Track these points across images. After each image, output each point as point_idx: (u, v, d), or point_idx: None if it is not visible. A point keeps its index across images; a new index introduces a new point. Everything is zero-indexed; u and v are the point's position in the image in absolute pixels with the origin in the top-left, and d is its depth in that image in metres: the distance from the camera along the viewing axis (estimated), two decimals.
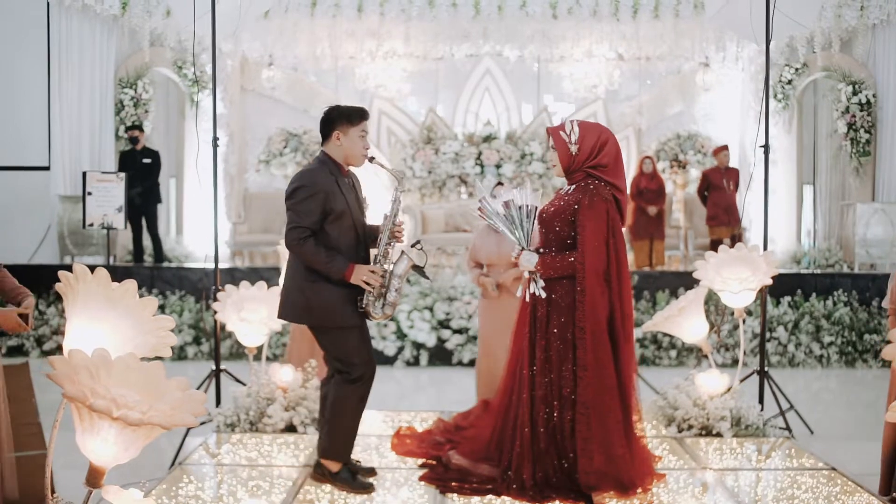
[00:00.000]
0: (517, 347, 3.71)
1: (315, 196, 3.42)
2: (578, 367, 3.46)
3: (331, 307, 3.47)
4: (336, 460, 3.63)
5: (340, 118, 3.53)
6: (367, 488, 3.60)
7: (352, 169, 3.67)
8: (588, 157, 3.53)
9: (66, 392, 2.21)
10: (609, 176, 3.53)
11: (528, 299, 3.60)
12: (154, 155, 8.80)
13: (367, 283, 3.44)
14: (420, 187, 10.29)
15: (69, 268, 7.96)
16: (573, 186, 3.59)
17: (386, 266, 3.52)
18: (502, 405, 3.75)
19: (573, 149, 3.52)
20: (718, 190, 8.84)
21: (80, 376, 2.26)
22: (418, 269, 3.55)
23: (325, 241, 3.46)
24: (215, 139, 4.70)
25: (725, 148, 8.91)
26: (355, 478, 3.63)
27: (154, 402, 2.31)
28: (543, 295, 3.54)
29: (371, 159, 3.59)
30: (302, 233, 3.42)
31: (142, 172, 8.65)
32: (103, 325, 2.56)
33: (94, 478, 2.37)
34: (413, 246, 3.54)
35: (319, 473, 3.68)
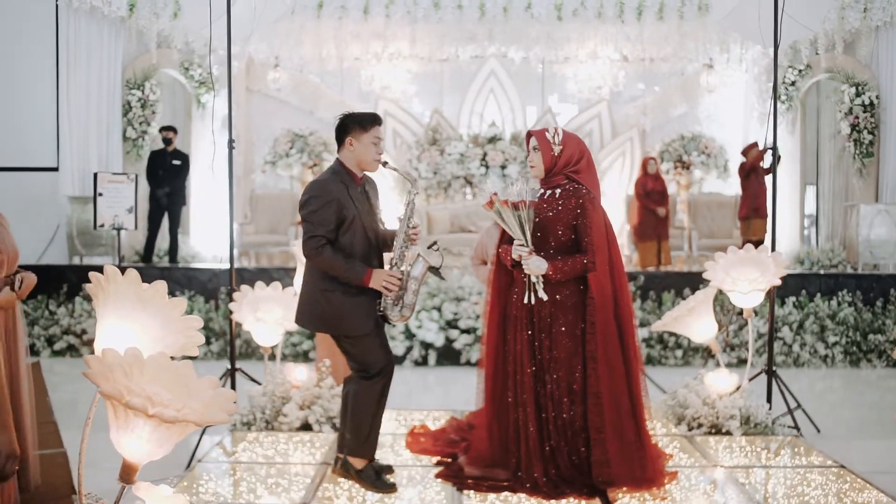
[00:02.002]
0: (497, 348, 3.74)
1: (328, 204, 3.46)
2: (588, 360, 3.54)
3: (342, 316, 3.52)
4: (360, 457, 3.66)
5: (353, 124, 3.56)
6: (390, 488, 3.64)
7: (369, 175, 3.71)
8: (568, 163, 3.66)
9: (103, 390, 2.26)
10: (586, 182, 3.67)
11: (532, 302, 3.61)
12: (184, 157, 8.90)
13: (386, 288, 3.49)
14: (425, 188, 10.35)
15: (78, 268, 8.03)
16: (559, 190, 3.67)
17: (403, 269, 3.56)
18: (494, 407, 3.78)
19: (556, 149, 3.64)
20: (762, 186, 8.76)
21: (115, 375, 2.31)
22: (434, 271, 3.59)
23: (339, 249, 3.51)
24: (231, 141, 4.76)
25: (755, 145, 8.91)
26: (379, 477, 3.67)
27: (186, 399, 2.37)
28: (545, 297, 3.58)
29: (385, 164, 3.62)
30: (319, 241, 3.45)
31: (171, 173, 8.75)
32: (134, 324, 2.61)
33: (127, 474, 2.43)
34: (430, 248, 3.58)
35: (344, 470, 3.70)
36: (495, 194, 3.58)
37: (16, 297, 2.69)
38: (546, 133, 3.68)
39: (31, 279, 2.81)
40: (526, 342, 3.63)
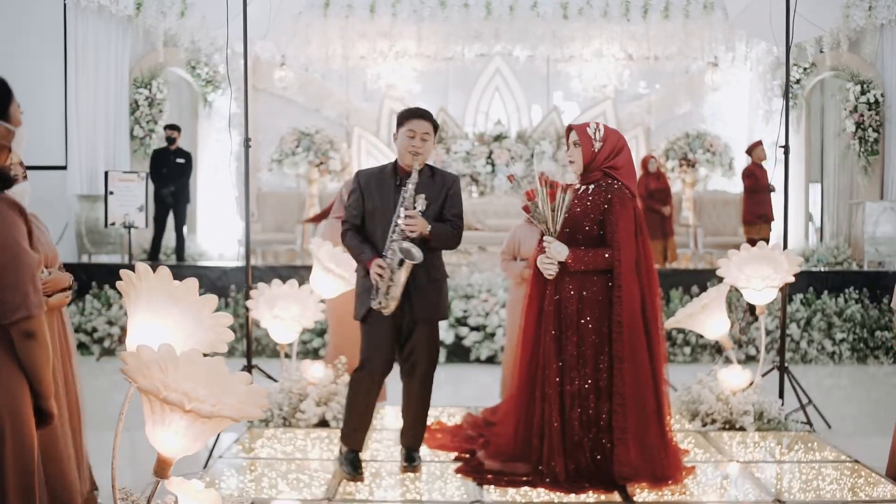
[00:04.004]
0: (532, 343, 3.77)
1: (354, 192, 3.76)
2: (615, 360, 3.55)
3: (357, 297, 3.81)
4: (342, 442, 3.88)
5: (397, 120, 3.78)
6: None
7: (443, 169, 3.90)
8: (607, 157, 3.67)
9: (140, 386, 2.30)
10: (624, 178, 3.68)
11: (548, 276, 3.64)
12: (187, 156, 8.94)
13: (377, 275, 3.62)
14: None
15: (87, 266, 8.01)
16: (592, 186, 3.69)
17: (388, 260, 3.63)
18: (521, 402, 3.82)
19: (597, 146, 3.66)
20: (764, 186, 8.74)
21: (152, 371, 2.34)
22: (404, 263, 3.62)
23: (364, 234, 3.75)
24: (247, 140, 4.79)
25: (759, 143, 8.94)
26: (354, 466, 3.84)
27: (220, 395, 2.40)
28: (555, 272, 3.62)
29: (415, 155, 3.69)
30: (345, 226, 3.78)
31: (174, 172, 8.78)
32: (166, 321, 2.64)
33: (161, 469, 2.46)
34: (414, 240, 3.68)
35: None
36: (543, 174, 3.62)
37: (67, 299, 2.69)
38: (588, 128, 3.68)
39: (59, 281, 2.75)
40: (552, 338, 3.65)
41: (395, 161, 3.76)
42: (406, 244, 3.57)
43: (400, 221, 3.59)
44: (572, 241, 3.66)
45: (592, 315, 3.61)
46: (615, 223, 3.58)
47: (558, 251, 3.58)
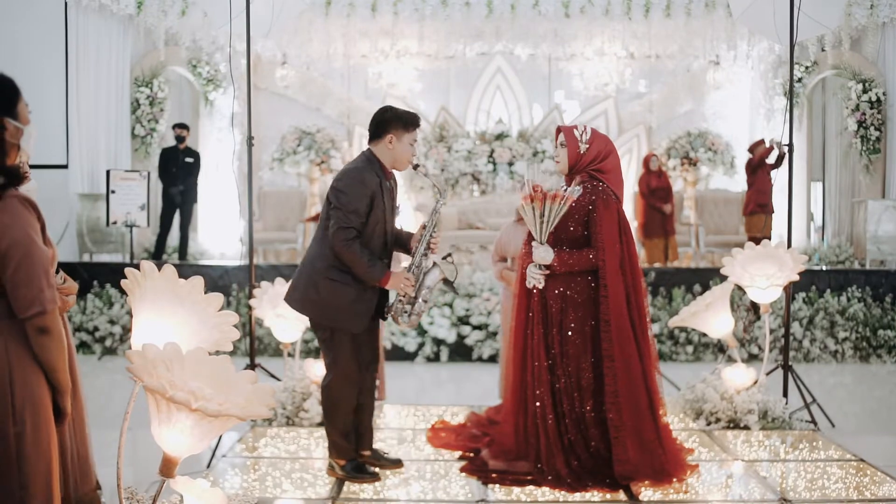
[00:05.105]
0: (522, 342, 3.80)
1: (364, 196, 3.44)
2: (605, 359, 3.60)
3: (340, 308, 3.52)
4: (337, 458, 3.72)
5: (397, 122, 3.52)
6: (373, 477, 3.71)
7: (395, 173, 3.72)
8: (593, 160, 3.73)
9: (147, 385, 2.29)
10: (611, 183, 3.73)
11: (531, 287, 3.68)
12: (196, 155, 8.96)
13: (403, 292, 3.53)
14: (433, 185, 10.36)
15: (88, 265, 7.96)
16: (578, 188, 3.72)
17: (418, 276, 3.58)
18: (518, 400, 3.84)
19: (582, 147, 3.72)
20: (768, 182, 8.71)
21: (158, 369, 2.34)
22: (448, 283, 3.63)
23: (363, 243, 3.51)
24: (250, 138, 4.78)
25: (762, 142, 8.94)
26: (362, 469, 3.74)
27: (227, 394, 2.39)
28: (541, 285, 3.64)
29: (416, 167, 3.60)
30: (350, 234, 3.42)
31: (184, 171, 8.79)
32: (171, 320, 2.63)
33: (167, 468, 2.45)
34: (444, 258, 3.61)
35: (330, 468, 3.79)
36: (537, 187, 3.63)
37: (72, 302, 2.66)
38: (574, 130, 3.74)
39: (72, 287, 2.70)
40: (540, 337, 3.70)
41: (377, 160, 3.54)
42: (443, 263, 3.56)
43: (431, 239, 3.56)
44: (557, 241, 3.70)
45: (576, 314, 3.66)
46: (599, 224, 3.63)
47: (542, 256, 3.62)
